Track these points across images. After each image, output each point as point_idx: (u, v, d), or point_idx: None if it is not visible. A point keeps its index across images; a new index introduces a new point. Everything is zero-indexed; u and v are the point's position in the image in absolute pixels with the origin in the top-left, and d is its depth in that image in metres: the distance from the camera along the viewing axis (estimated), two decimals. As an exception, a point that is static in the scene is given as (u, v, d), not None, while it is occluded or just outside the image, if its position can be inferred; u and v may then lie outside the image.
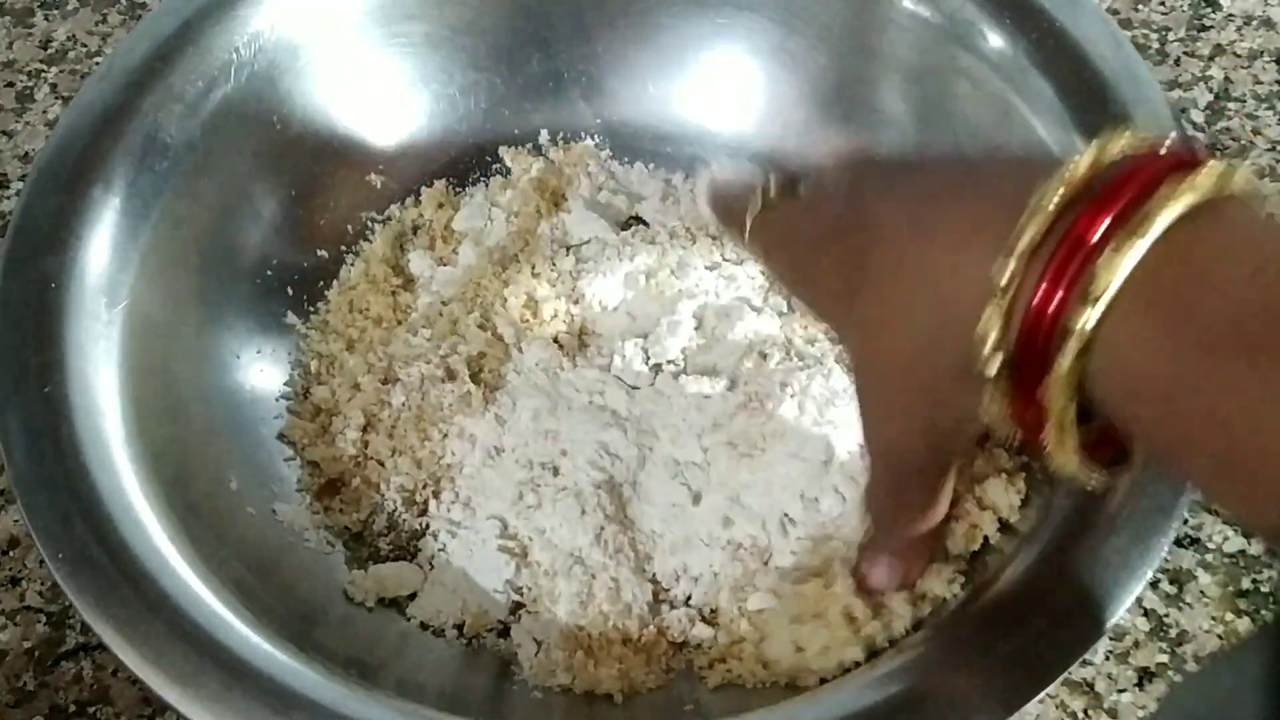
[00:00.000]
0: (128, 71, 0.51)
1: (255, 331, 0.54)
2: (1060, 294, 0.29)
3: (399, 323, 0.56)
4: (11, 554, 0.53)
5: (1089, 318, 0.29)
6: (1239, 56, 0.66)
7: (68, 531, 0.42)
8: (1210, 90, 0.65)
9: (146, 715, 0.49)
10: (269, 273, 0.56)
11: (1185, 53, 0.66)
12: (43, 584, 0.52)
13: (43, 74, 0.67)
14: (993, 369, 0.31)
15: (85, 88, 0.51)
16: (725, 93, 0.59)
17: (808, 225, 0.40)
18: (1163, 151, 0.31)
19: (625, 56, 0.59)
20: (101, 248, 0.48)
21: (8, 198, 0.63)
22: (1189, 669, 0.49)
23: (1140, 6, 0.68)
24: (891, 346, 0.35)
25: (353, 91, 0.57)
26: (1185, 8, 0.68)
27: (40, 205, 0.48)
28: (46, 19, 0.69)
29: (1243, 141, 0.63)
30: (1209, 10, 0.68)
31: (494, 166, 0.60)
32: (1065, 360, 0.29)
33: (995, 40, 0.51)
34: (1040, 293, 0.30)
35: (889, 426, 0.38)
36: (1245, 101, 0.65)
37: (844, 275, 0.36)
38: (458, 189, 0.60)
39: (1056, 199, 0.30)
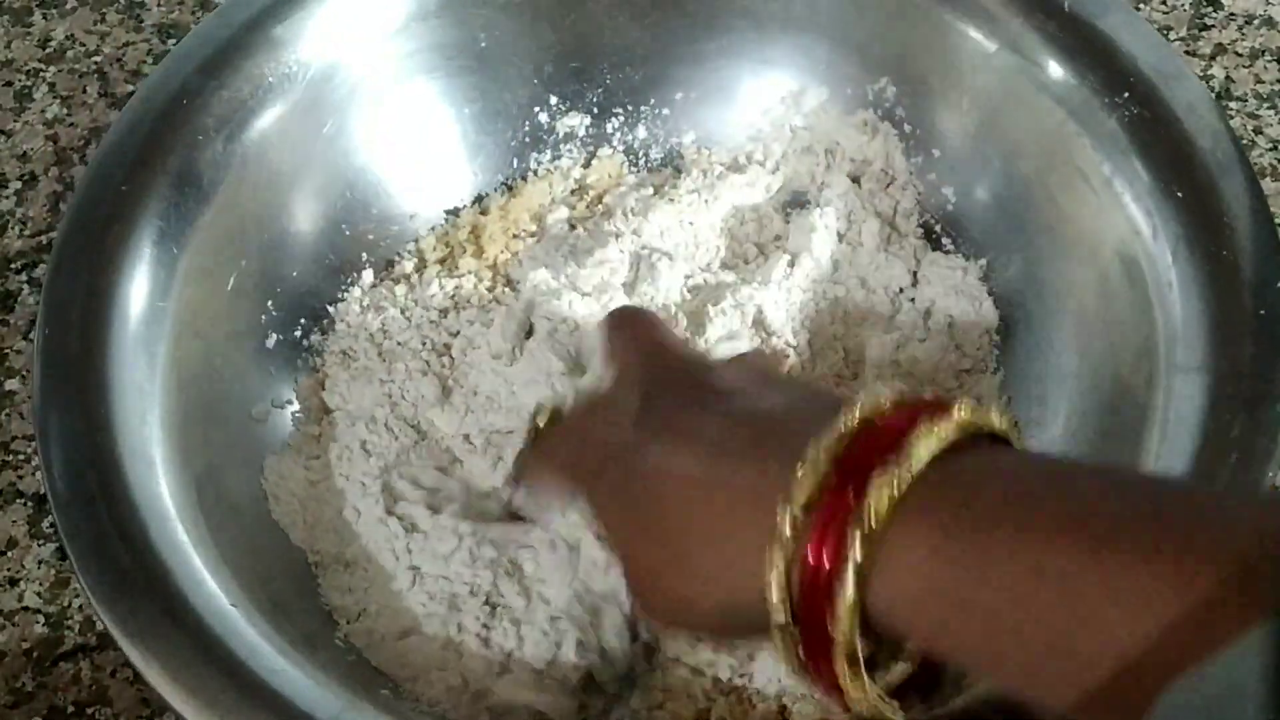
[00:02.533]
0: (166, 95, 0.51)
1: (298, 351, 0.54)
2: (836, 531, 0.31)
3: (496, 261, 0.57)
4: (10, 554, 0.53)
5: (865, 535, 0.30)
6: (1240, 55, 0.66)
7: (103, 553, 0.41)
8: (1212, 89, 0.65)
9: (145, 716, 0.49)
10: (309, 292, 0.55)
11: (1186, 52, 0.66)
12: (41, 584, 0.52)
13: (41, 73, 0.67)
14: (780, 617, 0.32)
15: (125, 111, 0.51)
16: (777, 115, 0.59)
17: (579, 441, 0.42)
18: (926, 398, 0.33)
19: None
20: (142, 273, 0.48)
21: (6, 197, 0.63)
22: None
23: (1141, 5, 0.68)
24: (673, 587, 0.36)
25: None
26: (1186, 7, 0.68)
27: (83, 228, 0.48)
28: (45, 18, 0.69)
29: (1244, 141, 0.63)
30: (1210, 9, 0.68)
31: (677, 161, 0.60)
32: (847, 587, 0.30)
33: (1058, 71, 0.51)
34: (816, 534, 0.31)
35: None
36: (1247, 101, 0.65)
37: (619, 497, 0.38)
38: (634, 166, 0.60)
39: (831, 445, 0.32)
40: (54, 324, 0.45)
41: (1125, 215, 0.48)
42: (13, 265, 0.60)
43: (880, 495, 0.30)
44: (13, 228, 0.61)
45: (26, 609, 0.51)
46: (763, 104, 0.59)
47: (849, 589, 0.30)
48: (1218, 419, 0.42)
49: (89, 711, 0.49)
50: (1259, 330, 0.44)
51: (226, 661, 0.40)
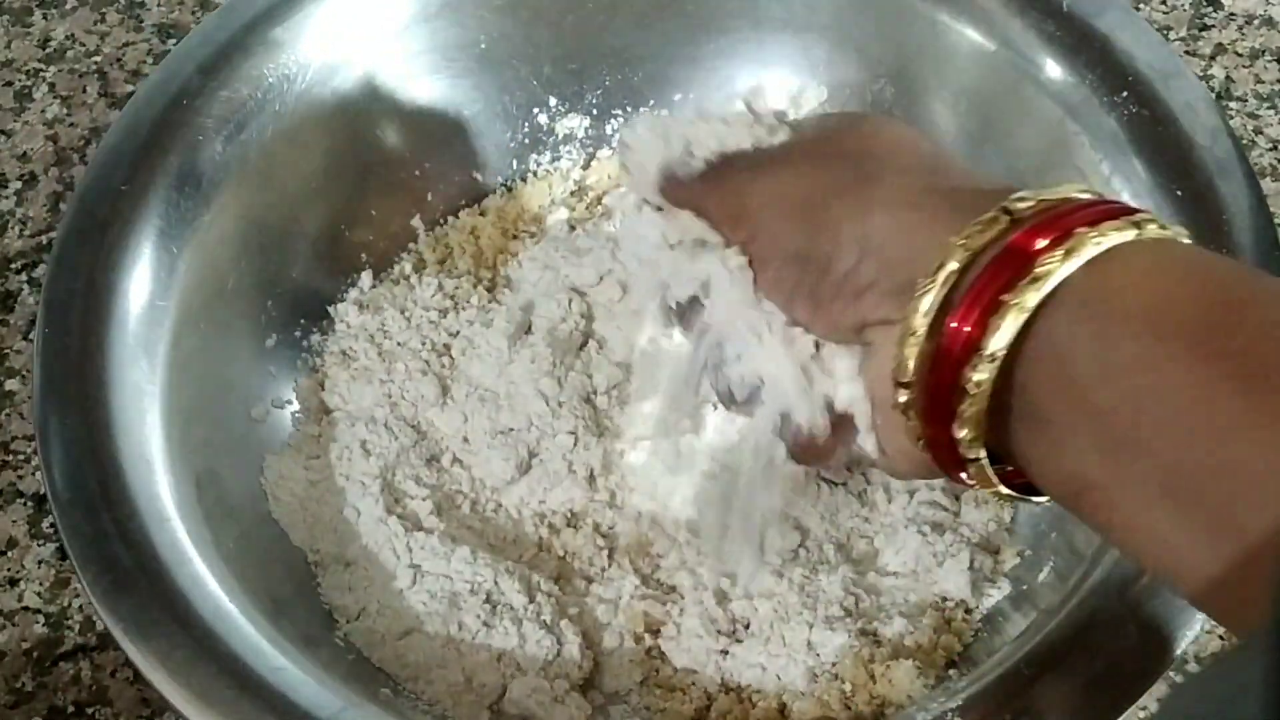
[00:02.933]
0: (166, 95, 0.51)
1: (298, 351, 0.54)
2: (1005, 279, 0.30)
3: (495, 262, 0.57)
4: (9, 554, 0.53)
5: (1033, 298, 0.29)
6: (1240, 55, 0.66)
7: (103, 553, 0.41)
8: (1212, 89, 0.65)
9: (145, 716, 0.49)
10: (309, 292, 0.55)
11: (1187, 52, 0.66)
12: (41, 584, 0.52)
13: (41, 73, 0.67)
14: (928, 309, 0.31)
15: (125, 111, 0.51)
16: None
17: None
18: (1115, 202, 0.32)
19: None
20: (142, 273, 0.48)
21: (6, 197, 0.63)
22: (1190, 669, 0.49)
23: (1141, 5, 0.68)
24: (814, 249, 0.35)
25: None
26: (1186, 7, 0.68)
27: (83, 228, 0.48)
28: (45, 18, 0.69)
29: (1244, 141, 0.63)
30: (1210, 9, 0.68)
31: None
32: (1007, 328, 0.29)
33: (1057, 70, 0.51)
34: (983, 278, 0.30)
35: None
36: (1246, 100, 0.65)
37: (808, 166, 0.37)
38: None
39: (1025, 204, 0.31)
40: (54, 324, 0.46)
41: None
42: (13, 265, 0.60)
43: (1060, 262, 0.29)
44: (13, 228, 0.62)
45: (26, 609, 0.51)
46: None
47: (1014, 316, 0.29)
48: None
49: (89, 711, 0.49)
50: None
51: (227, 660, 0.40)
